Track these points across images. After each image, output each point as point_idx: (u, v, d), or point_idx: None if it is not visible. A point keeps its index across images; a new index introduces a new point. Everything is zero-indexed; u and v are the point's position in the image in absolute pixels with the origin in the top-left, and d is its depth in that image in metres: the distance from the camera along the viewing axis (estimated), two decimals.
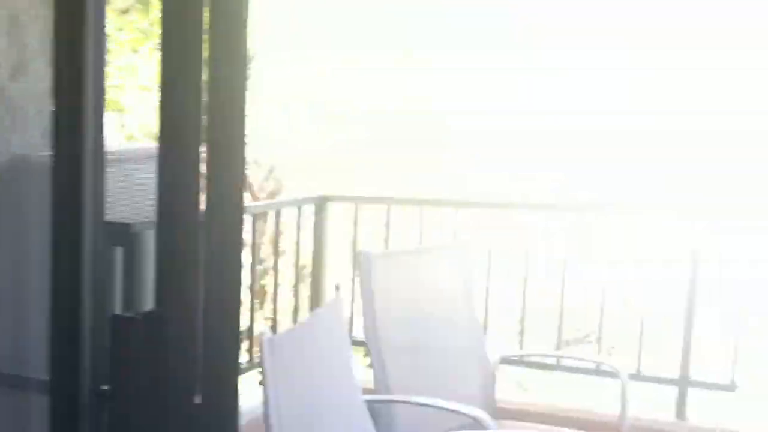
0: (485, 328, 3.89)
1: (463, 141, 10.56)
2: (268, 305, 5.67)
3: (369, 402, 2.77)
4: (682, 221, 4.00)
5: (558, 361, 4.08)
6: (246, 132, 1.17)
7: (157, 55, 1.18)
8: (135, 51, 7.34)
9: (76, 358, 1.28)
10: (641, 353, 3.90)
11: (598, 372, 3.96)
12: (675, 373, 3.80)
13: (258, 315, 7.34)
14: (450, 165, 10.19)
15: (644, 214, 4.25)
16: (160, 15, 1.19)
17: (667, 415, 3.80)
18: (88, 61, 1.25)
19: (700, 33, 10.32)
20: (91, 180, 1.26)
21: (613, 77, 10.57)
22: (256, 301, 4.89)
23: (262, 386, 2.17)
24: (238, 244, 1.23)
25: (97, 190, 1.27)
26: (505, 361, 3.70)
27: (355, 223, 4.57)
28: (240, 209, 1.23)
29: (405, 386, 3.12)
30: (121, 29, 7.16)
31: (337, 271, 4.80)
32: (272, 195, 9.06)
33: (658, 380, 3.86)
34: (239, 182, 1.21)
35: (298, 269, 4.90)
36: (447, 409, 2.80)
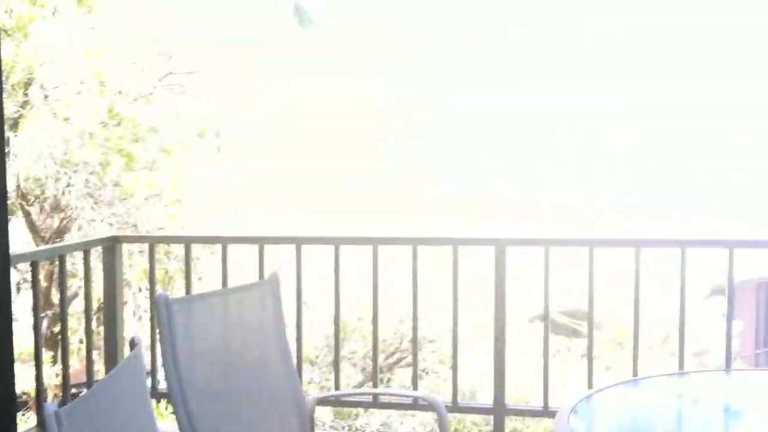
0: (300, 367, 3.69)
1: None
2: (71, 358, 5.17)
3: None
4: None
5: (375, 398, 3.93)
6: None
7: None
8: None
9: None
10: (456, 384, 3.83)
11: (415, 405, 3.85)
12: (490, 401, 3.77)
13: (54, 371, 6.74)
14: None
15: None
16: None
17: None
18: None
19: None
20: None
21: None
22: (51, 354, 4.43)
23: None
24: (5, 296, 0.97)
25: None
26: (322, 402, 3.51)
27: (151, 264, 4.22)
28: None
29: None
30: None
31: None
32: (60, 233, 8.41)
33: (476, 410, 3.81)
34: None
35: (88, 317, 4.46)
36: None
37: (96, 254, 4.38)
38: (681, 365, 3.61)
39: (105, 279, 4.15)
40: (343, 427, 7.88)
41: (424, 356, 7.91)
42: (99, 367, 4.95)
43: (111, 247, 4.15)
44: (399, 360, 8.47)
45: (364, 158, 22.29)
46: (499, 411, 3.73)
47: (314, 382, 7.41)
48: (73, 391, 4.08)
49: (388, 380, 8.08)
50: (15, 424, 2.54)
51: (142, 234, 6.57)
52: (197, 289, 6.46)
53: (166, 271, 7.19)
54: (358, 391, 4.21)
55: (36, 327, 3.76)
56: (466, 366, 4.15)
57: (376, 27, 26.06)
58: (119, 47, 7.35)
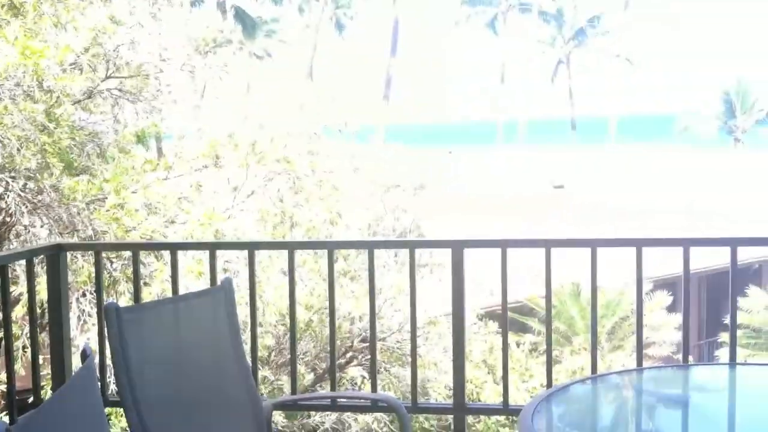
0: (256, 371, 3.61)
1: None
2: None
3: None
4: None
5: (334, 401, 3.86)
6: None
7: None
8: None
9: None
10: (416, 385, 3.79)
11: (374, 407, 3.80)
12: (442, 397, 3.74)
13: None
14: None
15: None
16: None
17: None
18: None
19: None
20: None
21: None
22: None
23: None
24: None
25: None
26: (279, 407, 3.44)
27: (98, 272, 4.08)
28: None
29: None
30: None
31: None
32: None
33: (436, 410, 3.77)
34: None
35: (33, 328, 4.30)
36: None
37: (38, 260, 4.23)
38: (639, 362, 3.61)
39: (50, 288, 3.99)
40: (298, 427, 7.82)
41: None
42: (46, 371, 4.79)
43: (55, 255, 3.99)
44: (351, 359, 8.43)
45: None
46: (459, 410, 3.70)
47: (267, 381, 7.35)
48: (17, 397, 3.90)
49: (341, 379, 8.03)
50: None
51: (87, 241, 6.38)
52: (145, 294, 6.32)
53: (110, 275, 7.02)
54: (317, 395, 4.14)
55: None
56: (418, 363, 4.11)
57: None
58: (59, 49, 7.14)
